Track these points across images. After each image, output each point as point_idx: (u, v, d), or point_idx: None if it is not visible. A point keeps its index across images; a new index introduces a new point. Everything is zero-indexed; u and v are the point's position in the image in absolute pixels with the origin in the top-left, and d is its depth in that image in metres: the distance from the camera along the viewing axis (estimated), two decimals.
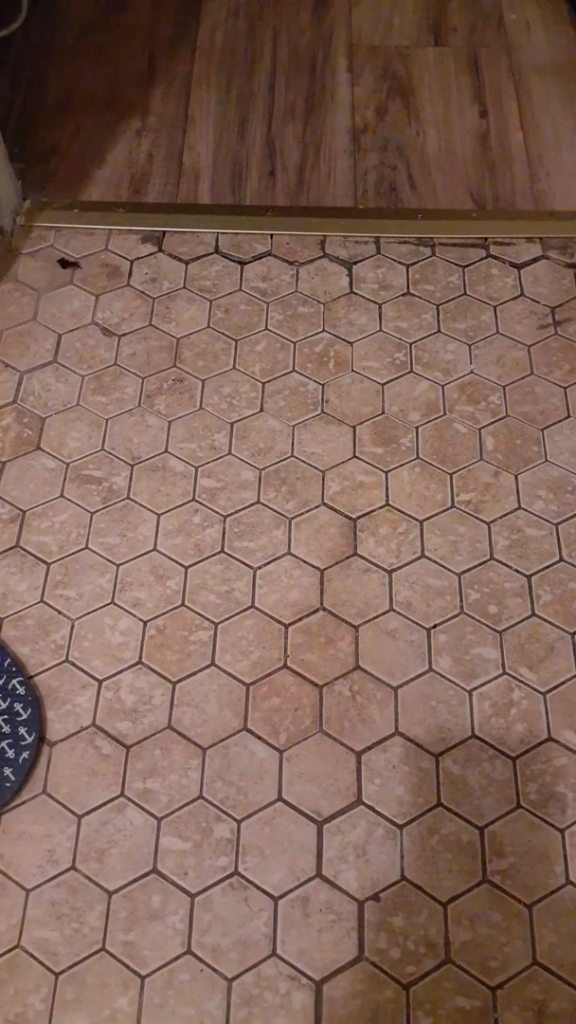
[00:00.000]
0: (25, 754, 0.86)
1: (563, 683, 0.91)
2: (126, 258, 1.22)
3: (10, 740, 0.87)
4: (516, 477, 1.04)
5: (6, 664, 0.91)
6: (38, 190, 1.30)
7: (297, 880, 0.81)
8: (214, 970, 0.78)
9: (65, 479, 1.03)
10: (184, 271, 1.21)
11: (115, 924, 0.80)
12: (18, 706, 0.88)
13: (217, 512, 1.01)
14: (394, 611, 0.95)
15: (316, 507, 1.02)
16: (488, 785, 0.86)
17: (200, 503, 1.02)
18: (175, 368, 1.12)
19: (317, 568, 0.98)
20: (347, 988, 0.77)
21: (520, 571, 0.97)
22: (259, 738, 0.88)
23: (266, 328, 1.16)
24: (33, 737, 0.87)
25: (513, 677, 0.91)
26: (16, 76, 1.44)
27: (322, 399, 1.10)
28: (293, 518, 1.01)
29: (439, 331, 1.15)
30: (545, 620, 0.95)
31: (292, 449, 1.06)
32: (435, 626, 0.94)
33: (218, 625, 0.94)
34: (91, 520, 1.01)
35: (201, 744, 0.88)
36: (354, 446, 1.06)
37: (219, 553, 0.98)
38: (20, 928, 0.79)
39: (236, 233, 1.24)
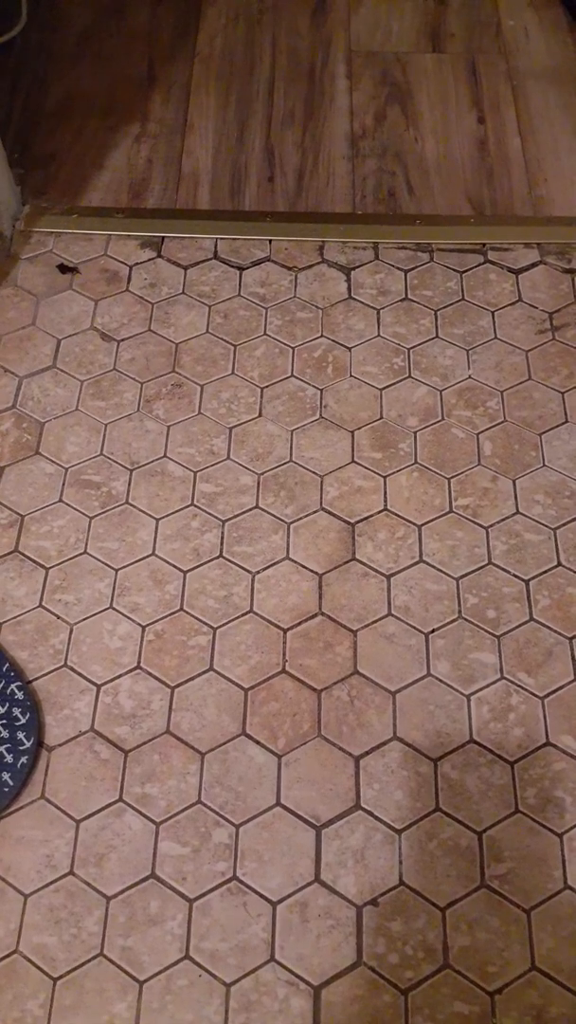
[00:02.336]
0: (23, 759, 0.86)
1: (561, 688, 0.91)
2: (125, 263, 1.22)
3: (8, 745, 0.87)
4: (514, 482, 1.04)
5: (4, 669, 0.91)
6: (37, 195, 1.30)
7: (295, 885, 0.81)
8: (212, 975, 0.78)
9: (64, 484, 1.04)
10: (183, 276, 1.21)
11: (113, 929, 0.80)
12: (16, 711, 0.88)
13: (216, 517, 1.01)
14: (392, 616, 0.95)
15: (315, 512, 1.02)
16: (486, 790, 0.86)
17: (199, 508, 1.02)
18: (174, 373, 1.13)
19: (316, 573, 0.98)
20: (345, 993, 0.77)
21: (518, 576, 0.98)
22: (257, 743, 0.88)
23: (265, 333, 1.16)
24: (31, 742, 0.87)
25: (511, 682, 0.91)
26: (16, 81, 1.44)
27: (320, 404, 1.10)
28: (292, 523, 1.01)
29: (437, 336, 1.16)
30: (543, 625, 0.95)
31: (291, 454, 1.06)
32: (433, 631, 0.94)
33: (217, 630, 0.94)
34: (90, 525, 1.01)
35: (200, 749, 0.88)
36: (352, 451, 1.06)
37: (218, 558, 0.99)
38: (18, 933, 0.79)
39: (235, 239, 1.25)
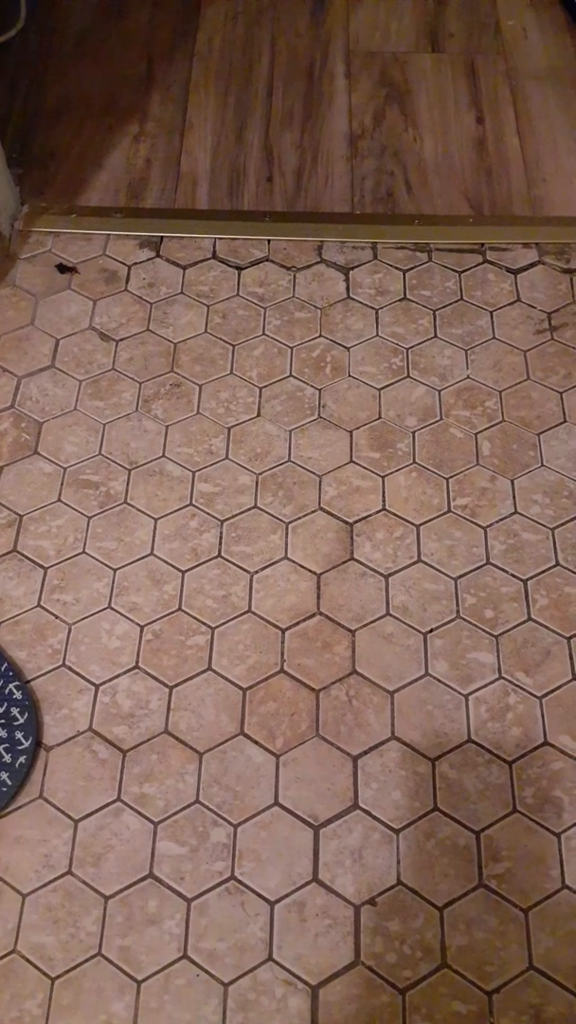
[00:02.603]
0: (22, 759, 0.86)
1: (559, 687, 0.91)
2: (124, 263, 1.22)
3: (7, 744, 0.87)
4: (512, 482, 1.04)
5: (3, 669, 0.91)
6: (36, 195, 1.30)
7: (293, 884, 0.82)
8: (210, 975, 0.78)
9: (62, 484, 1.04)
10: (182, 276, 1.21)
11: (111, 929, 0.80)
12: (15, 711, 0.88)
13: (214, 517, 1.01)
14: (390, 615, 0.95)
15: (313, 512, 1.02)
16: (484, 789, 0.86)
17: (197, 508, 1.02)
18: (172, 373, 1.13)
19: (314, 573, 0.98)
20: (343, 993, 0.77)
21: (516, 575, 0.98)
22: (256, 743, 0.88)
23: (263, 333, 1.16)
24: (30, 742, 0.87)
25: (509, 681, 0.91)
26: (15, 81, 1.44)
27: (319, 404, 1.10)
28: (290, 523, 1.01)
29: (436, 336, 1.16)
30: (541, 624, 0.95)
31: (289, 454, 1.06)
32: (431, 630, 0.94)
33: (215, 630, 0.94)
34: (88, 525, 1.01)
35: (198, 749, 0.88)
36: (351, 451, 1.06)
37: (216, 558, 0.99)
38: (16, 933, 0.79)
39: (234, 238, 1.25)
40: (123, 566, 0.98)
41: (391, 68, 1.47)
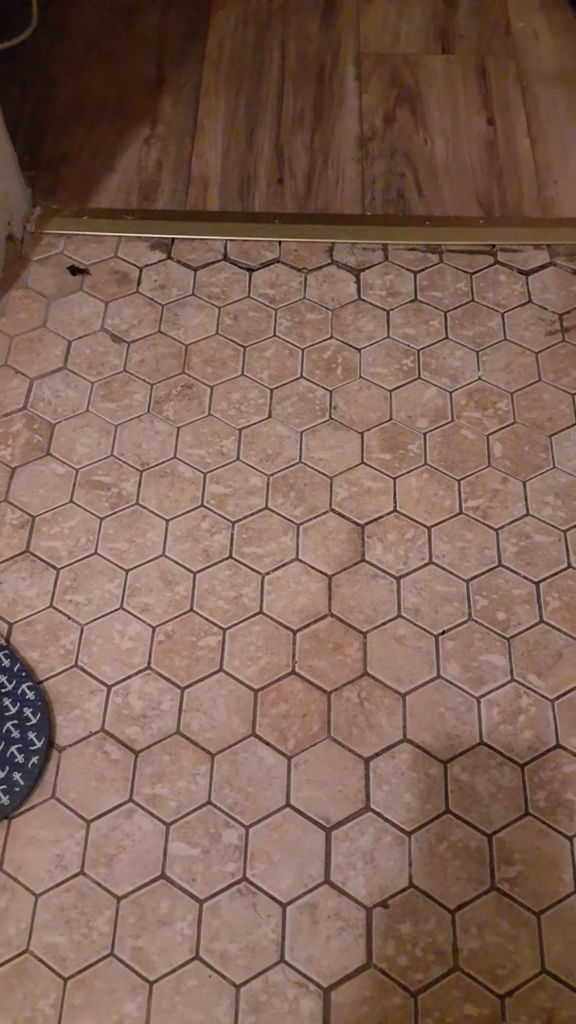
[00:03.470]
0: (34, 759, 0.86)
1: (571, 690, 0.91)
2: (135, 265, 1.23)
3: (19, 745, 0.87)
4: (524, 483, 1.04)
5: (16, 669, 0.91)
6: (48, 197, 1.30)
7: (305, 886, 0.81)
8: (222, 976, 0.78)
9: (74, 485, 1.04)
10: (193, 278, 1.21)
11: (123, 929, 0.80)
12: (27, 711, 0.89)
13: (225, 518, 1.02)
14: (402, 617, 0.95)
15: (324, 513, 1.02)
16: (496, 792, 0.86)
17: (208, 509, 1.02)
18: (184, 374, 1.13)
19: (325, 574, 0.98)
20: (355, 995, 0.77)
21: (528, 578, 0.97)
22: (267, 744, 0.88)
23: (274, 335, 1.16)
24: (42, 742, 0.87)
25: (521, 684, 0.91)
26: (26, 84, 1.45)
27: (330, 405, 1.10)
28: (301, 524, 1.01)
29: (447, 338, 1.16)
30: (553, 627, 0.95)
31: (300, 455, 1.06)
32: (443, 632, 0.94)
33: (226, 631, 0.94)
34: (100, 526, 1.01)
35: (209, 750, 0.88)
36: (362, 452, 1.06)
37: (227, 559, 0.99)
38: (29, 933, 0.80)
39: (245, 240, 1.25)
40: (135, 567, 0.98)
41: (401, 70, 1.47)
